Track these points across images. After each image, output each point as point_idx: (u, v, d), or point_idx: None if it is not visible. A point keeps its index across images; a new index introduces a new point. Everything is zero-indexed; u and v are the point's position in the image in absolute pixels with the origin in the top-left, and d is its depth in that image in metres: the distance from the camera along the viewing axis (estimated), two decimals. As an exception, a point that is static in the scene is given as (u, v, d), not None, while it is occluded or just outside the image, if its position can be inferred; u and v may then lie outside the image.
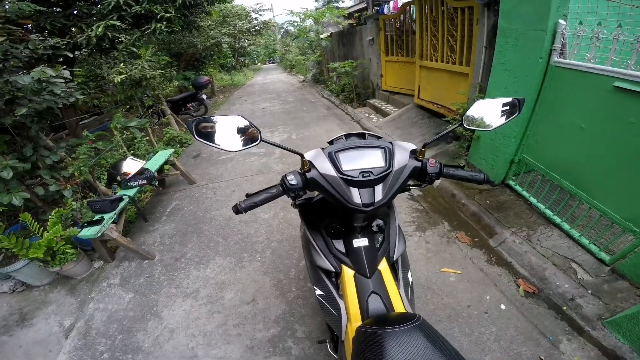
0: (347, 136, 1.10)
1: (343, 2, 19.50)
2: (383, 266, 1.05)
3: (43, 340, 2.01)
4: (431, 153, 3.67)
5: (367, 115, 6.01)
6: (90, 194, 3.09)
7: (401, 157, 0.95)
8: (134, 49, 4.45)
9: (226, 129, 0.91)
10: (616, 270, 1.83)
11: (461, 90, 3.50)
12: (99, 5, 4.08)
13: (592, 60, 1.81)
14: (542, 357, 1.60)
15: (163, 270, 2.48)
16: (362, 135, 1.09)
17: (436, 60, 4.15)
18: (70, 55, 3.58)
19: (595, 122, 1.87)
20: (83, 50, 4.30)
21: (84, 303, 2.25)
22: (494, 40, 2.46)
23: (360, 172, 0.90)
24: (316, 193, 1.19)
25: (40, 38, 3.14)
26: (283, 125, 6.20)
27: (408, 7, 4.89)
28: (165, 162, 3.48)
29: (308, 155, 0.96)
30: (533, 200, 2.45)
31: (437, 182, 3.16)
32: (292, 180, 0.93)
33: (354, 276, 1.01)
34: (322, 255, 1.08)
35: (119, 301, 2.23)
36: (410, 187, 1.19)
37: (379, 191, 0.91)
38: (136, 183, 2.77)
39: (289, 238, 2.70)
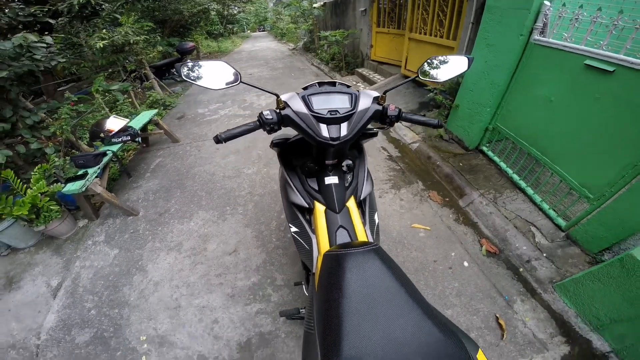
0: (320, 84, 1.20)
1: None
2: (351, 204, 1.17)
3: (31, 302, 2.01)
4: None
5: (354, 83, 6.00)
6: (73, 150, 3.09)
7: (365, 102, 1.07)
8: (117, 16, 4.30)
9: (210, 72, 1.06)
10: (570, 236, 1.93)
11: (446, 62, 3.55)
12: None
13: (568, 39, 1.93)
14: (497, 315, 1.69)
15: (147, 226, 2.53)
16: (333, 84, 1.19)
17: (425, 34, 4.24)
18: (52, 21, 3.50)
19: (563, 96, 2.00)
20: (64, 17, 4.17)
21: (70, 262, 2.27)
22: (481, 17, 2.52)
23: (329, 111, 1.02)
24: (292, 134, 1.31)
25: (20, 6, 3.11)
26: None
27: (404, -20, 4.80)
28: (149, 122, 3.48)
29: (284, 97, 1.08)
30: (503, 165, 2.59)
31: (414, 146, 3.31)
32: (268, 115, 1.04)
33: (325, 211, 1.13)
34: (297, 192, 1.20)
35: (104, 258, 2.27)
36: (375, 130, 1.32)
37: (344, 128, 1.03)
38: (119, 139, 2.76)
39: (270, 192, 2.78)
